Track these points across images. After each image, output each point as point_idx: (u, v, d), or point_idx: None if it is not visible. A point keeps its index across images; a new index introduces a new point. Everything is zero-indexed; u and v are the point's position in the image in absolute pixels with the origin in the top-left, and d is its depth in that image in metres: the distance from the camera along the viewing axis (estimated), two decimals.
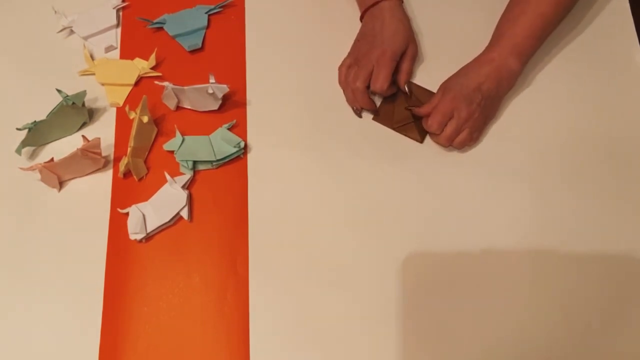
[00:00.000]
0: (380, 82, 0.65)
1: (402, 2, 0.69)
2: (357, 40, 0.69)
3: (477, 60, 0.66)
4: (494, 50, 0.65)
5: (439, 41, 0.72)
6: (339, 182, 0.66)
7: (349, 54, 0.70)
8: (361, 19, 0.71)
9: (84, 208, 0.66)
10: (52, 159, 0.63)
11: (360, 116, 0.68)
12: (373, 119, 0.68)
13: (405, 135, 0.67)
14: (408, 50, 0.67)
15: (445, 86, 0.66)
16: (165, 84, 0.66)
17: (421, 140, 0.67)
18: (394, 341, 0.59)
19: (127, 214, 0.64)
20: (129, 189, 0.66)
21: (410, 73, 0.69)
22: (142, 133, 0.66)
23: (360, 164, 0.66)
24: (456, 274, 0.61)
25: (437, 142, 0.66)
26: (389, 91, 0.66)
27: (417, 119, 0.67)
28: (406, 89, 0.68)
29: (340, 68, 0.69)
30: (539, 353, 0.59)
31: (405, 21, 0.68)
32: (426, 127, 0.65)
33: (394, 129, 0.68)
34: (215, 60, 0.73)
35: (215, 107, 0.69)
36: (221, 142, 0.66)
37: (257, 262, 0.63)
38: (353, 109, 0.68)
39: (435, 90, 0.67)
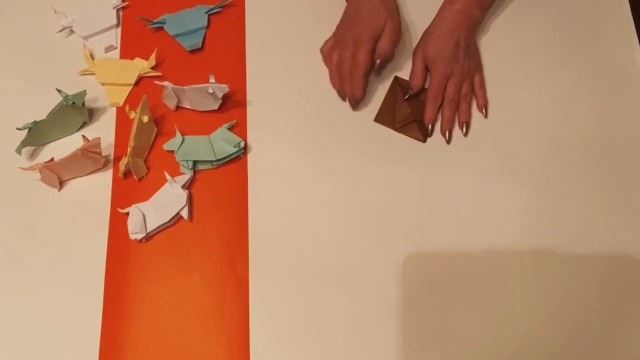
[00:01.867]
0: (362, 59, 0.65)
1: None
2: (340, 22, 0.70)
3: (441, 16, 0.68)
4: (456, 2, 0.67)
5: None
6: (339, 182, 0.66)
7: (332, 35, 0.70)
8: None
9: (84, 208, 0.66)
10: (52, 159, 0.63)
11: (344, 99, 0.69)
12: (375, 120, 0.68)
13: (407, 135, 0.67)
14: (386, 26, 0.66)
15: (425, 56, 0.68)
16: (165, 83, 0.66)
17: (423, 140, 0.67)
18: (394, 341, 0.59)
19: (127, 213, 0.64)
20: (129, 188, 0.66)
21: (388, 50, 0.66)
22: (142, 133, 0.66)
23: (360, 164, 0.66)
24: (456, 274, 0.61)
25: (444, 116, 0.67)
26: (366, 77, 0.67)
27: (418, 118, 0.67)
28: (378, 63, 0.67)
29: (321, 49, 0.70)
30: (539, 353, 0.59)
31: (385, 5, 0.66)
32: (427, 101, 0.67)
33: (395, 129, 0.68)
34: (215, 60, 0.73)
35: (215, 107, 0.69)
36: (221, 142, 0.66)
37: (257, 262, 0.63)
38: (338, 92, 0.69)
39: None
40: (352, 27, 0.66)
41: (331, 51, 0.69)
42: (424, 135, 0.67)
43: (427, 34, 0.68)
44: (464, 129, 0.67)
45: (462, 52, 0.67)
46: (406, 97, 0.68)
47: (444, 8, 0.68)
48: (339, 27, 0.70)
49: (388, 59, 0.69)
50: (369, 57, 0.65)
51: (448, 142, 0.67)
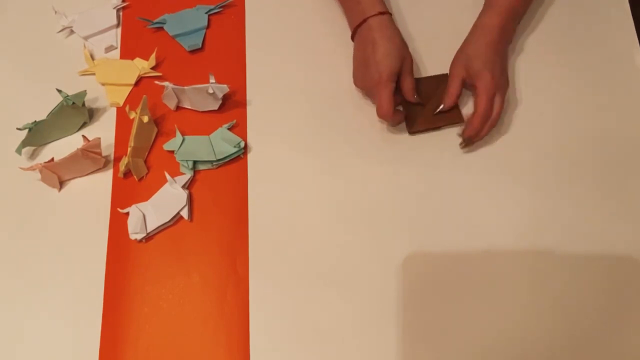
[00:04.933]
0: (384, 109, 0.63)
1: (391, 15, 0.66)
2: (354, 66, 0.68)
3: (482, 30, 0.66)
4: (493, 17, 0.66)
5: (433, 33, 0.72)
6: (339, 182, 0.66)
7: (353, 79, 0.69)
8: (352, 38, 0.68)
9: (84, 208, 0.66)
10: (52, 159, 0.63)
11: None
12: (411, 133, 0.67)
13: (449, 125, 0.67)
14: (404, 66, 0.64)
15: (469, 70, 0.65)
16: (165, 84, 0.66)
17: (463, 120, 0.67)
18: (394, 341, 0.59)
19: (127, 213, 0.64)
20: (129, 188, 0.66)
21: (413, 87, 0.65)
22: (142, 133, 0.66)
23: (360, 164, 0.66)
24: (456, 274, 0.61)
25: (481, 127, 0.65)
26: (397, 117, 0.65)
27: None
28: (417, 99, 0.66)
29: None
30: (539, 353, 0.59)
31: (396, 38, 0.64)
32: (475, 116, 0.64)
33: (435, 128, 0.67)
34: (215, 60, 0.73)
35: (215, 107, 0.69)
36: (221, 142, 0.66)
37: (257, 262, 0.63)
38: None
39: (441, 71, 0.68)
40: (368, 73, 0.64)
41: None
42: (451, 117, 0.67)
43: (468, 48, 0.66)
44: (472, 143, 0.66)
45: (504, 65, 0.66)
46: (435, 113, 0.66)
47: (483, 23, 0.66)
48: (355, 73, 0.68)
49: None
50: (390, 103, 0.63)
51: (464, 146, 0.66)
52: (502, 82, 0.65)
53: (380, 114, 0.64)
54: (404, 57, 0.65)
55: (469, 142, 0.65)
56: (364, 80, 0.66)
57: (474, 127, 0.64)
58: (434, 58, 0.70)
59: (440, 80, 0.68)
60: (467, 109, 0.68)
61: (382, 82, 0.63)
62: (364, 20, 0.65)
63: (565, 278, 0.61)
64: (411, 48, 0.68)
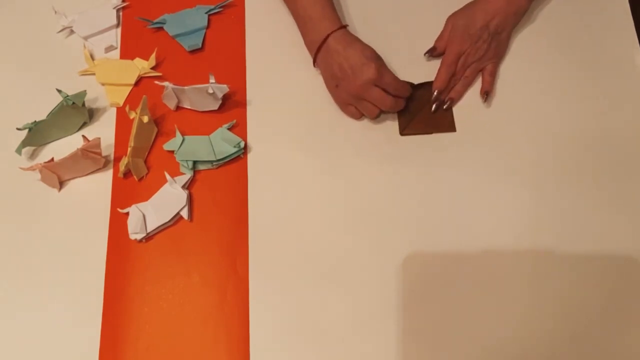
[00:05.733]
0: (392, 106, 0.64)
1: (347, 26, 0.66)
2: (330, 86, 0.67)
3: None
4: None
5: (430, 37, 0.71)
6: (339, 182, 0.66)
7: (337, 101, 0.68)
8: (315, 63, 0.68)
9: (84, 208, 0.66)
10: (52, 159, 0.63)
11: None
12: (402, 134, 0.67)
13: (441, 132, 0.67)
14: (381, 67, 0.63)
15: (453, 24, 0.68)
16: (165, 84, 0.66)
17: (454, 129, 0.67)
18: (394, 341, 0.59)
19: (127, 214, 0.64)
20: (129, 189, 0.66)
21: (394, 80, 0.65)
22: (142, 133, 0.66)
23: (360, 164, 0.66)
24: (456, 274, 0.61)
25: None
26: (399, 103, 0.66)
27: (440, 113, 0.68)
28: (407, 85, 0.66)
29: (346, 113, 0.68)
30: (539, 353, 0.59)
31: (360, 44, 0.64)
32: (441, 66, 0.67)
33: (426, 133, 0.67)
34: (215, 60, 0.73)
35: (215, 107, 0.69)
36: (221, 142, 0.66)
37: (257, 262, 0.63)
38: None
39: (421, 80, 0.69)
40: (348, 82, 0.63)
41: (349, 109, 0.67)
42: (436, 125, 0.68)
43: (467, 5, 0.68)
44: (447, 104, 0.67)
45: (485, 36, 0.66)
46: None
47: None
48: (337, 93, 0.67)
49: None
50: (387, 97, 0.64)
51: (433, 111, 0.67)
52: (470, 49, 0.66)
53: (394, 109, 0.65)
54: (376, 55, 0.64)
55: (437, 98, 0.67)
56: (349, 91, 0.65)
57: (438, 75, 0.67)
58: (430, 63, 0.70)
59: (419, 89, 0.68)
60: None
61: (371, 87, 0.63)
62: (324, 41, 0.65)
63: (565, 278, 0.61)
64: (407, 52, 0.69)
